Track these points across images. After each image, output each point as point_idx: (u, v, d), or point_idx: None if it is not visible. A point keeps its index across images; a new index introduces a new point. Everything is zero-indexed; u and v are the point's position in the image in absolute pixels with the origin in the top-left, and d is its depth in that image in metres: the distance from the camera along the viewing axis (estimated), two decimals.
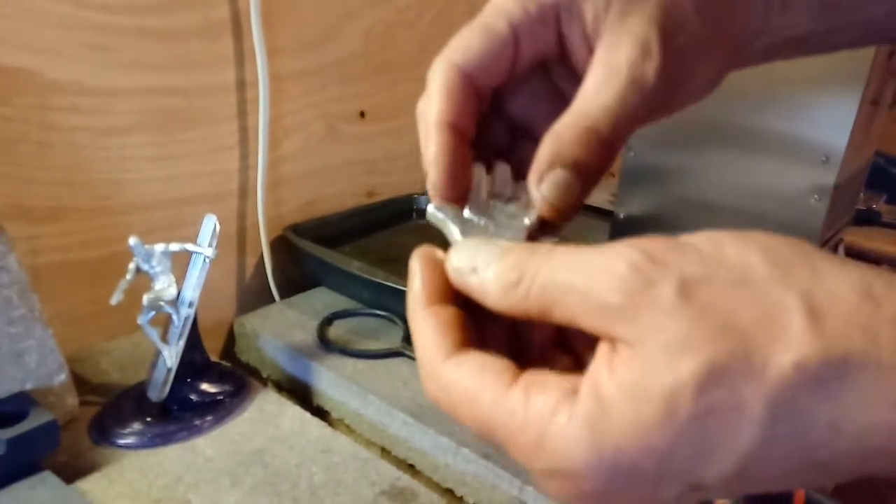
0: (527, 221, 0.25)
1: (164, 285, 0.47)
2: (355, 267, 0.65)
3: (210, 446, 0.48)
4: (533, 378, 0.19)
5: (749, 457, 0.17)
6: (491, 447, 0.21)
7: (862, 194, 0.94)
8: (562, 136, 0.24)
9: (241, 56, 0.65)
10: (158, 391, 0.49)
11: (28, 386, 0.44)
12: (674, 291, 0.17)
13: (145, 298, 0.47)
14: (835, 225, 0.75)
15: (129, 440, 0.48)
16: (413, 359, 0.59)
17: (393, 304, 0.66)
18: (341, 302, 0.70)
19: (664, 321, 0.17)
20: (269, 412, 0.52)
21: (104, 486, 0.44)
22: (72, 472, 0.44)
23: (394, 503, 0.44)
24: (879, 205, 1.03)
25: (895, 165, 1.08)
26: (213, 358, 0.55)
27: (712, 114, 0.76)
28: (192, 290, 0.48)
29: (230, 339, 0.70)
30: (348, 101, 0.79)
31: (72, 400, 0.49)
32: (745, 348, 0.16)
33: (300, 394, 0.61)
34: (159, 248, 0.47)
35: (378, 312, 0.67)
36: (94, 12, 0.54)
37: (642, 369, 0.17)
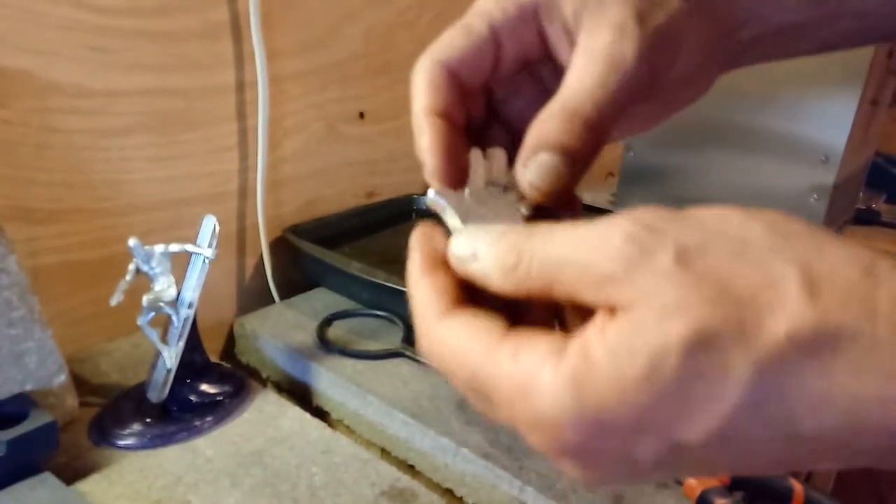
0: (524, 210, 0.25)
1: (164, 286, 0.47)
2: (355, 267, 0.65)
3: (210, 447, 0.48)
4: (523, 335, 0.19)
5: (732, 418, 0.17)
6: (478, 404, 0.21)
7: (861, 194, 0.94)
8: (545, 121, 0.24)
9: (241, 57, 0.66)
10: (158, 392, 0.49)
11: (28, 387, 0.44)
12: (671, 259, 0.17)
13: (145, 299, 0.47)
14: (834, 224, 0.75)
15: (129, 441, 0.48)
16: (414, 360, 0.59)
17: (393, 305, 0.66)
18: (341, 302, 0.70)
19: (660, 286, 0.17)
20: (268, 413, 0.52)
21: (104, 487, 0.44)
22: (72, 473, 0.44)
23: None
24: (879, 204, 1.03)
25: (895, 165, 1.09)
26: (213, 359, 0.55)
27: (712, 114, 0.76)
28: (191, 290, 0.48)
29: (230, 339, 0.70)
30: (348, 101, 0.79)
31: (71, 401, 0.49)
32: (739, 315, 0.16)
33: (300, 394, 0.61)
34: (159, 248, 0.47)
35: (378, 313, 0.67)
36: (93, 14, 0.54)
37: (631, 330, 0.17)
